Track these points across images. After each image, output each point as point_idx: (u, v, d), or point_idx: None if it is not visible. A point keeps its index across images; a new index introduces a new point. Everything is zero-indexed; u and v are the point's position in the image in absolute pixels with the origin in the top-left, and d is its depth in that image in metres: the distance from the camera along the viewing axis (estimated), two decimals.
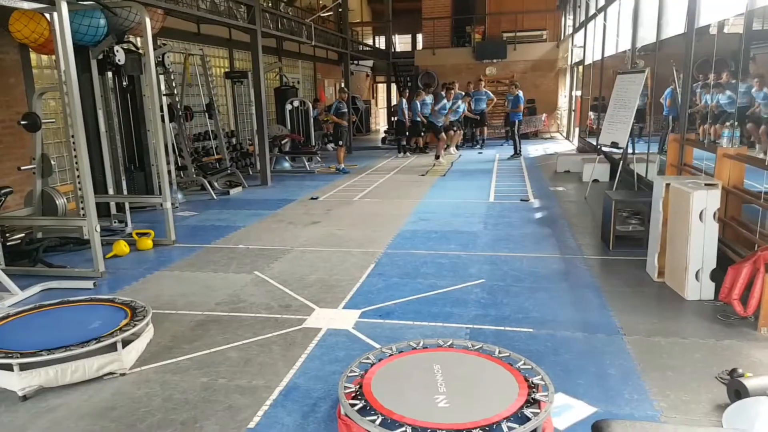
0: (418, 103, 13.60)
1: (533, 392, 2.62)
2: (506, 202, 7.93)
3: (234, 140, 11.78)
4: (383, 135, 18.27)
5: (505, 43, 19.26)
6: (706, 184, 4.08)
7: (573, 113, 16.43)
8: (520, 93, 13.45)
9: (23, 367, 2.91)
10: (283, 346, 3.49)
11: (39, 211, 5.83)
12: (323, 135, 15.52)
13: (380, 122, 24.86)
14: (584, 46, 13.79)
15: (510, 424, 2.38)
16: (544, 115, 18.03)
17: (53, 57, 6.75)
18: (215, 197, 8.69)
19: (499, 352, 3.06)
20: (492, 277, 4.70)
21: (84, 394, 2.96)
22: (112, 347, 3.13)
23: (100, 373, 3.08)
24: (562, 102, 18.87)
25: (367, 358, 3.04)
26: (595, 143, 10.37)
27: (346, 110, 11.75)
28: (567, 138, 16.91)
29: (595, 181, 8.70)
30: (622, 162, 7.61)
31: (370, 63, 21.74)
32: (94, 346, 3.05)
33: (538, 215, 7.05)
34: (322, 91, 18.44)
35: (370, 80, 24.29)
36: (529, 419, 2.42)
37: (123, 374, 3.14)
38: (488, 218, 6.90)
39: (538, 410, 2.48)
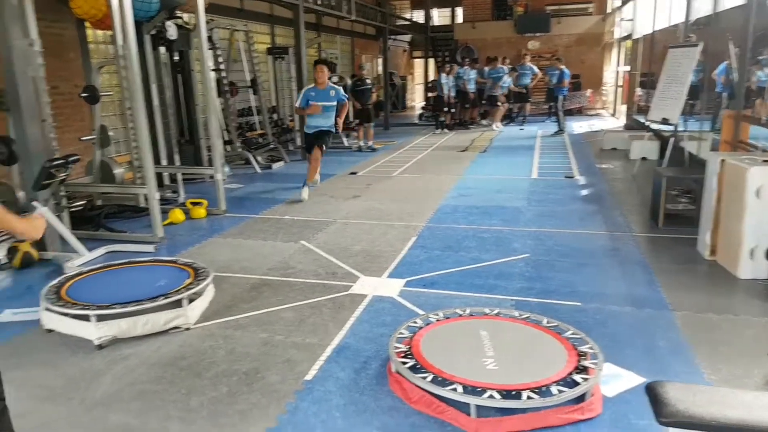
0: (449, 77, 13.67)
1: (582, 359, 2.68)
2: (550, 178, 7.86)
3: (275, 116, 11.95)
4: (420, 111, 18.19)
5: (549, 16, 18.75)
6: (763, 161, 3.99)
7: (620, 89, 15.98)
8: (565, 68, 13.14)
9: (99, 319, 3.13)
10: (332, 309, 3.63)
11: (98, 180, 6.12)
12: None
13: (417, 99, 24.68)
14: (633, 20, 13.35)
15: (560, 388, 2.45)
16: (589, 90, 17.59)
17: (109, 32, 6.98)
18: (259, 171, 8.89)
19: (548, 322, 3.12)
20: (537, 252, 4.71)
21: (153, 345, 3.18)
22: (177, 303, 3.33)
23: (167, 327, 3.29)
24: (609, 77, 18.35)
25: (415, 322, 3.15)
26: (643, 120, 10.12)
27: (366, 87, 11.32)
28: (613, 115, 16.50)
29: (644, 158, 8.52)
30: (672, 139, 7.42)
31: (407, 38, 21.53)
32: (162, 301, 3.27)
33: (584, 192, 6.98)
34: (358, 67, 18.37)
35: (407, 55, 24.07)
36: (578, 384, 2.48)
37: (188, 329, 3.34)
38: (532, 194, 6.87)
39: (587, 376, 2.54)
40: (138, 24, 6.49)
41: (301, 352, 3.07)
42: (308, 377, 2.83)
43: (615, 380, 2.74)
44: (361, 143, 11.19)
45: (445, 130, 13.89)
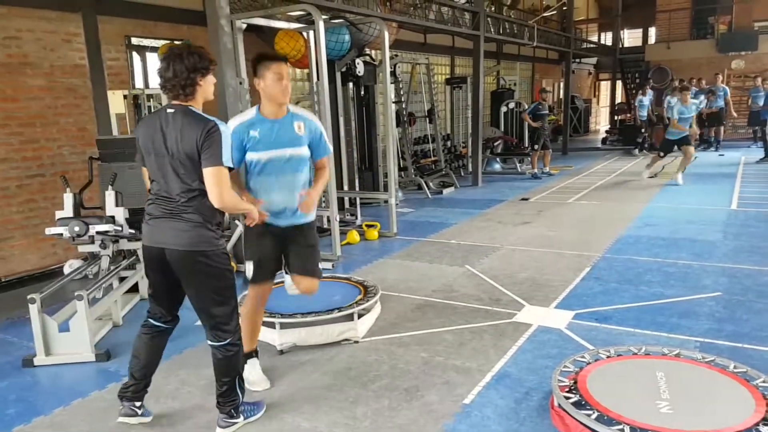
0: (644, 99, 13.31)
1: None
2: (752, 210, 6.90)
3: (449, 143, 12.26)
4: (604, 135, 17.24)
5: (757, 33, 16.64)
6: None
7: None
8: None
9: (282, 326, 3.53)
10: (493, 335, 3.64)
11: None
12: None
13: (601, 122, 23.41)
14: None
15: None
16: None
17: (305, 70, 7.89)
18: (430, 196, 9.16)
19: (735, 367, 2.79)
20: (731, 290, 4.21)
21: (327, 354, 3.49)
22: (349, 317, 3.63)
23: (339, 338, 3.60)
24: None
25: (582, 357, 3.03)
26: None
27: (546, 112, 10.72)
28: None
29: None
30: None
31: (593, 60, 20.63)
32: (336, 314, 3.59)
33: None
34: (538, 91, 18.04)
35: (593, 78, 23.01)
36: None
37: (356, 341, 3.62)
38: (729, 227, 6.11)
39: None
40: (331, 63, 7.28)
41: (460, 375, 3.13)
42: (466, 401, 2.88)
43: None
44: (536, 170, 10.72)
45: (645, 152, 13.41)
